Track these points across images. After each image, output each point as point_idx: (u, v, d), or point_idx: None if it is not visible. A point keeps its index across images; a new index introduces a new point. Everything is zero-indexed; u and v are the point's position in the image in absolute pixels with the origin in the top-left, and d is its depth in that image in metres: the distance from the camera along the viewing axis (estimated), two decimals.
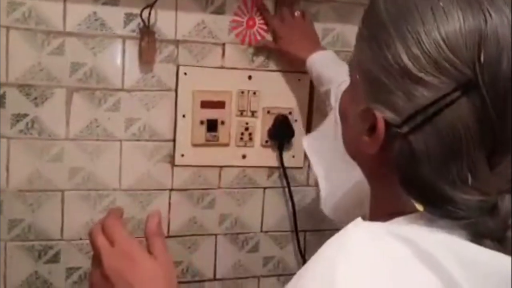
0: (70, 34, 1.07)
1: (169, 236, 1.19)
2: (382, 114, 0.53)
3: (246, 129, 1.21)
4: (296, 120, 1.24)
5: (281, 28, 1.18)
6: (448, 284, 0.49)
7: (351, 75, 0.59)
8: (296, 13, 1.19)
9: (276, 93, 1.22)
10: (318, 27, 1.22)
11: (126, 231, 0.64)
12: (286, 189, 1.24)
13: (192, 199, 1.20)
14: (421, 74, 0.50)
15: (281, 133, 1.22)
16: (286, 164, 1.23)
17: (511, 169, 0.51)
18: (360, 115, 0.55)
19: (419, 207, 0.54)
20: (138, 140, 1.15)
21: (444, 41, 0.49)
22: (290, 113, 1.23)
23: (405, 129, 0.51)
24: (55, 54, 1.07)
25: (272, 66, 1.21)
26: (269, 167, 1.25)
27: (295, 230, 1.26)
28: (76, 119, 1.10)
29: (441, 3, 0.50)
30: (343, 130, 0.62)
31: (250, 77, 1.20)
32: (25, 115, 1.07)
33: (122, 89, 1.12)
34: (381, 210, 0.58)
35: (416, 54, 0.50)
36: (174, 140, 1.17)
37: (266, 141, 1.23)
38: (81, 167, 1.12)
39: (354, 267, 0.49)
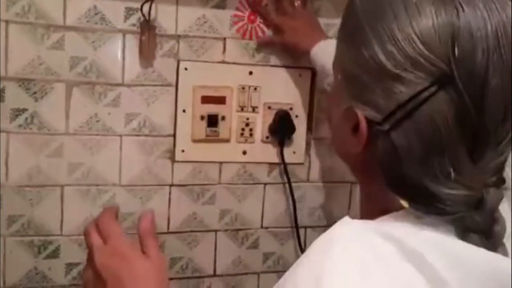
0: (70, 28, 1.06)
1: (169, 232, 1.19)
2: (363, 113, 0.53)
3: (247, 124, 1.20)
4: (297, 116, 1.23)
5: (284, 21, 1.17)
6: (435, 282, 0.49)
7: (334, 76, 0.60)
8: (296, 4, 1.18)
9: (277, 89, 1.21)
10: (320, 22, 1.21)
11: (120, 229, 0.65)
12: (287, 185, 1.24)
13: (192, 195, 1.20)
14: (397, 71, 0.50)
15: (282, 129, 1.21)
16: (286, 160, 1.22)
17: (494, 162, 0.51)
18: (343, 114, 0.56)
19: (406, 204, 0.54)
20: (138, 135, 1.14)
21: (418, 36, 0.49)
22: (291, 108, 1.22)
23: (386, 126, 0.51)
24: (55, 48, 1.06)
25: (273, 61, 1.21)
26: (270, 163, 1.24)
27: (296, 227, 1.25)
28: (76, 114, 1.09)
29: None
30: (330, 131, 0.62)
31: (251, 73, 1.19)
32: (25, 109, 1.06)
33: (122, 84, 1.11)
34: (370, 209, 0.58)
35: (391, 51, 0.50)
36: (174, 136, 1.16)
37: (267, 137, 1.22)
38: (81, 162, 1.11)
39: (341, 264, 0.49)
